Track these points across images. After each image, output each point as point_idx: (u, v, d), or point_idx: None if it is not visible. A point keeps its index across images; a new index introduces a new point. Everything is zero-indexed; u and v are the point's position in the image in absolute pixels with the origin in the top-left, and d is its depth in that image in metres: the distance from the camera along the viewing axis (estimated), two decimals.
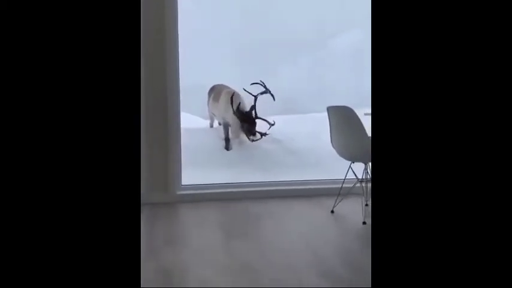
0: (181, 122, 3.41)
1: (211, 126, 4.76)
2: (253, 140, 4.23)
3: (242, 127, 4.22)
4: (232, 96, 4.14)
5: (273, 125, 4.22)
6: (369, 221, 2.84)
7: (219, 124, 4.62)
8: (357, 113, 2.80)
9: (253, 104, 4.19)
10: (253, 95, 4.15)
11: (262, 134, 4.25)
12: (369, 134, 2.97)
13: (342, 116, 2.90)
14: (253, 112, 4.20)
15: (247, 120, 4.20)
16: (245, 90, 4.11)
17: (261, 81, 4.12)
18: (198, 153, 4.21)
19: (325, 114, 3.07)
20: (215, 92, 4.50)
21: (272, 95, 4.17)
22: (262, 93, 4.16)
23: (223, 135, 4.44)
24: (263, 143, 4.42)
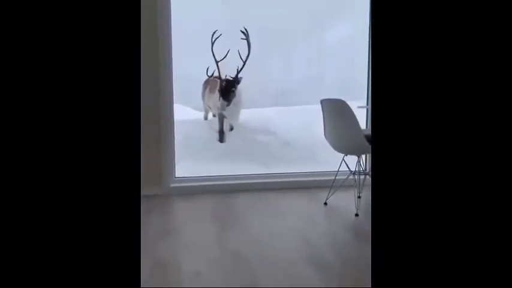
0: (174, 114, 3.39)
1: (206, 118, 4.74)
2: (227, 105, 4.12)
3: (220, 88, 4.13)
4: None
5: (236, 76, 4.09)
6: (361, 213, 2.86)
7: (213, 116, 4.61)
8: (350, 106, 2.80)
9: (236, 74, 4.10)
10: (242, 60, 4.02)
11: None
12: (362, 127, 2.98)
13: (335, 109, 2.90)
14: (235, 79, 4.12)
15: (230, 85, 4.12)
16: (239, 54, 3.96)
17: (244, 28, 3.96)
18: (192, 145, 4.20)
19: (319, 106, 3.07)
20: (211, 83, 4.47)
21: (249, 45, 3.98)
22: (243, 38, 3.98)
23: (217, 128, 4.43)
24: (258, 135, 4.42)
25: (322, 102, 3.05)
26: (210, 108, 4.60)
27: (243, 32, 3.94)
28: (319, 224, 2.72)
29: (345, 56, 4.82)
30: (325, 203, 3.10)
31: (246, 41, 3.95)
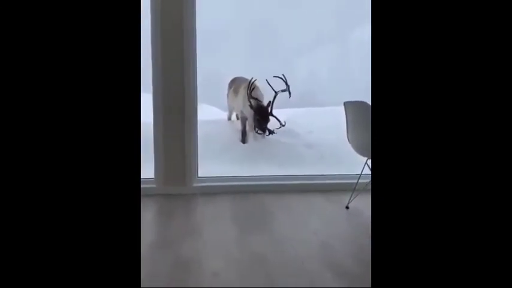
0: (199, 113, 3.44)
1: (229, 118, 4.77)
2: (259, 133, 4.20)
3: (254, 119, 4.19)
4: (251, 86, 4.09)
5: (283, 125, 4.16)
6: None
7: (237, 118, 4.64)
8: None
9: (271, 100, 4.15)
10: (274, 91, 4.09)
11: (270, 132, 4.20)
12: None
13: (358, 112, 2.87)
14: (269, 108, 4.17)
15: (261, 114, 4.16)
16: (268, 83, 4.04)
17: (283, 75, 4.04)
18: (215, 145, 4.23)
19: (343, 107, 3.04)
20: (235, 84, 4.49)
21: (289, 92, 4.09)
22: (283, 90, 4.09)
23: (240, 128, 4.45)
24: (281, 136, 4.41)
25: (345, 104, 3.03)
26: (234, 108, 4.63)
27: (283, 79, 4.00)
28: (340, 227, 2.70)
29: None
30: (347, 207, 3.07)
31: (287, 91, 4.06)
